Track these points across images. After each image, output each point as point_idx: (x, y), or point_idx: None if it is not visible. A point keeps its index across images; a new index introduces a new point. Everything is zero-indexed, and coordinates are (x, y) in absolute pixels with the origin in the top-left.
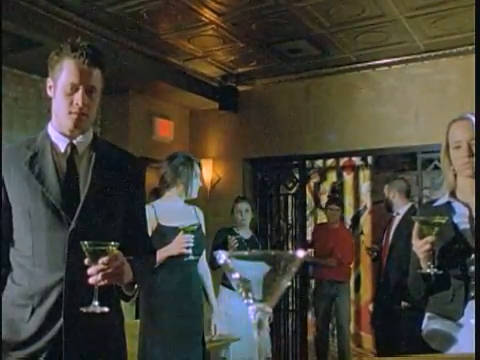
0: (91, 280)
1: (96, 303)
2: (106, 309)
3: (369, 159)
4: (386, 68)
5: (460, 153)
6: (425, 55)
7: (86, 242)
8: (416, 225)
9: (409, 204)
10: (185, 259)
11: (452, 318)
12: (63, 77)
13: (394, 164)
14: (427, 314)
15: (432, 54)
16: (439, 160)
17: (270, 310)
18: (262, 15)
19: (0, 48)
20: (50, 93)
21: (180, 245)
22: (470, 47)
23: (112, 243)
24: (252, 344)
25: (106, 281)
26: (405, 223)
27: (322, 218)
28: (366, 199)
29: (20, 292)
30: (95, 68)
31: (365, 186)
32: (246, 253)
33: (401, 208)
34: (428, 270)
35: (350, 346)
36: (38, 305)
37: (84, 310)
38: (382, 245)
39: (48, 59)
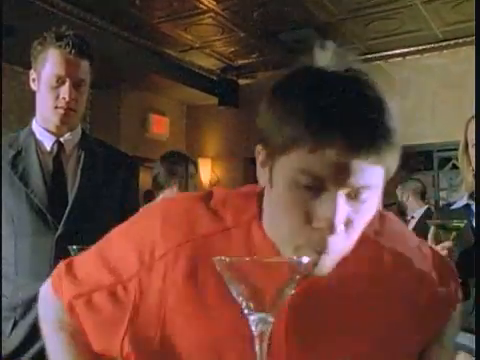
0: None
1: None
2: None
3: None
4: (400, 59)
5: None
6: (443, 44)
7: (75, 246)
8: (432, 229)
9: (425, 207)
10: None
11: (474, 331)
12: (48, 69)
13: (408, 163)
14: None
15: (451, 43)
16: (457, 159)
17: (272, 320)
18: (264, 2)
19: (0, 44)
20: (34, 86)
21: None
22: None
23: None
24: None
25: None
26: (420, 227)
27: None
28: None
29: (2, 304)
30: (83, 59)
31: None
32: (247, 259)
33: (416, 211)
34: None
35: None
36: (21, 317)
37: None
38: None
39: (31, 49)
